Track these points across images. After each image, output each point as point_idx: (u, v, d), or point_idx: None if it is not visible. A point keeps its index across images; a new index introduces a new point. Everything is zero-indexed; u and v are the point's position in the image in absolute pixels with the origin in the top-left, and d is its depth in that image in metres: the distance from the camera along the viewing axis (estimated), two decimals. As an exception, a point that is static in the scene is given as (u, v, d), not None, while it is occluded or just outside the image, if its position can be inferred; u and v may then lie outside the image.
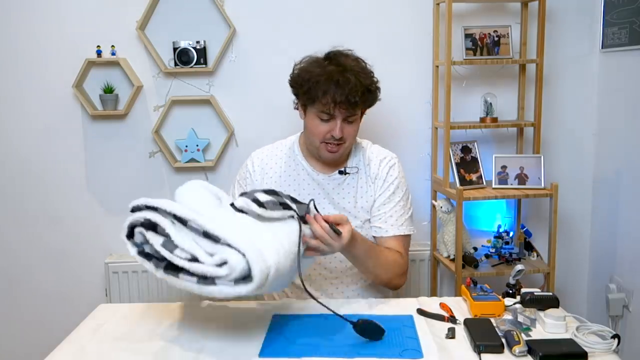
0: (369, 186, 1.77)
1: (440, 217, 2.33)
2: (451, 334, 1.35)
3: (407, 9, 2.41)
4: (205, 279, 1.22)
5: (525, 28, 2.37)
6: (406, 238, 1.77)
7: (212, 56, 2.36)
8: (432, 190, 2.49)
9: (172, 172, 2.48)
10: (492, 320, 1.40)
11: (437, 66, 2.40)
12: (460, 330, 1.38)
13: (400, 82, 2.43)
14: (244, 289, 1.20)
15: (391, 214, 1.75)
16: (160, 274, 1.26)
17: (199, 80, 2.41)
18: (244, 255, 1.20)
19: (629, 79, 2.27)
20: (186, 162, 2.40)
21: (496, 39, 2.32)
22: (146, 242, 1.29)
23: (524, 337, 1.30)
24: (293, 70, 1.74)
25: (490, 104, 2.35)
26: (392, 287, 1.77)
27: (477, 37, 2.31)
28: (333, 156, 1.71)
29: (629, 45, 2.25)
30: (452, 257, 2.28)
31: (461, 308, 1.53)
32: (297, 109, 1.78)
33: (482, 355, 1.26)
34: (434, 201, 2.38)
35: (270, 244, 1.27)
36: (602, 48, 2.43)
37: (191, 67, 2.33)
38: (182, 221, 1.26)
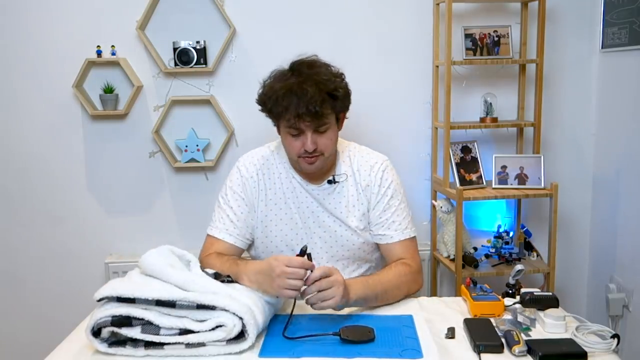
0: (359, 193, 1.71)
1: (440, 217, 2.33)
2: (451, 334, 1.35)
3: (407, 9, 2.41)
4: (194, 344, 1.26)
5: (525, 28, 2.38)
6: (412, 241, 1.73)
7: (212, 56, 2.36)
8: (432, 190, 2.49)
9: (172, 172, 2.48)
10: (492, 320, 1.40)
11: (437, 66, 2.40)
12: (460, 330, 1.38)
13: (400, 82, 2.43)
14: (236, 347, 1.28)
15: (393, 220, 1.71)
16: (141, 352, 1.27)
17: (199, 80, 2.41)
18: (240, 318, 1.26)
19: (629, 79, 2.27)
20: (186, 162, 2.40)
21: (496, 39, 2.32)
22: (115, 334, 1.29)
23: (523, 337, 1.30)
24: (262, 86, 1.65)
25: (490, 104, 2.35)
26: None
27: (477, 37, 2.31)
28: (314, 167, 1.63)
29: (629, 45, 2.25)
30: (452, 257, 2.28)
31: (461, 308, 1.53)
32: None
33: (482, 355, 1.26)
34: (434, 201, 2.38)
35: (258, 302, 1.36)
36: (602, 48, 2.43)
37: (191, 67, 2.33)
38: (169, 303, 1.26)
